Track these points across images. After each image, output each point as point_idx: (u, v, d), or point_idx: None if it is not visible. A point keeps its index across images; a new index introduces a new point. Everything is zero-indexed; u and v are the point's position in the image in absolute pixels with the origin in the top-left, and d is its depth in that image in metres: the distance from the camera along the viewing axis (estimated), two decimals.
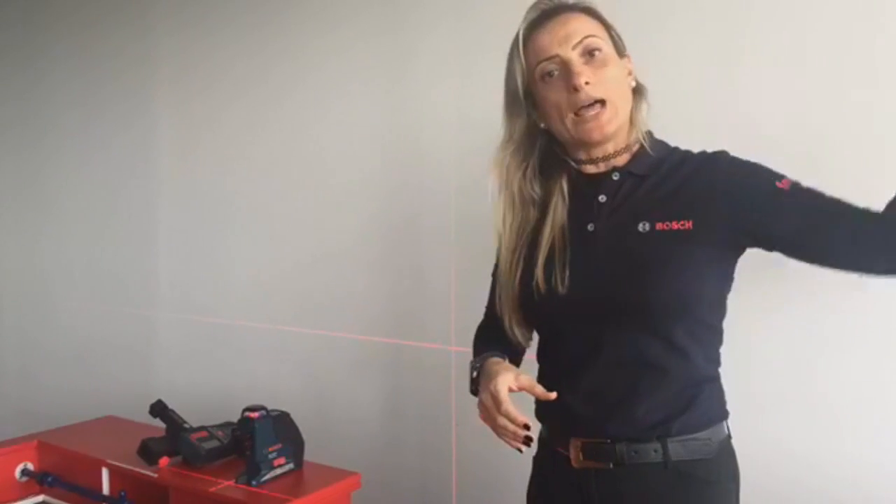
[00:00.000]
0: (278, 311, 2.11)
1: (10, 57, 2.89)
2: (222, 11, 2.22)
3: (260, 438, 1.47)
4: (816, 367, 1.32)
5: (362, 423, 1.94)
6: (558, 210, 1.09)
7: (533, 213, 1.12)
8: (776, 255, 1.02)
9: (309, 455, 1.58)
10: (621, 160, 1.08)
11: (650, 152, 1.07)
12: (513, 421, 0.97)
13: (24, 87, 2.84)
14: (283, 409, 1.57)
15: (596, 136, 1.04)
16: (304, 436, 1.58)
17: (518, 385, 1.01)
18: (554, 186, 1.11)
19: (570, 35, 1.03)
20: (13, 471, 1.75)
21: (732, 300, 1.07)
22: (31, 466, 1.78)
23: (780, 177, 1.00)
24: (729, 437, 1.07)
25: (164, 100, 2.39)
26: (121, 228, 2.53)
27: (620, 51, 1.08)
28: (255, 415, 1.48)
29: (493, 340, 1.17)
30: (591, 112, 1.02)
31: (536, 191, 1.12)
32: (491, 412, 1.00)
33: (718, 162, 1.04)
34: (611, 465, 1.03)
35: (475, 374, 1.10)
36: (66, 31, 2.67)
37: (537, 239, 1.09)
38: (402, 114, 1.86)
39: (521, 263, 1.10)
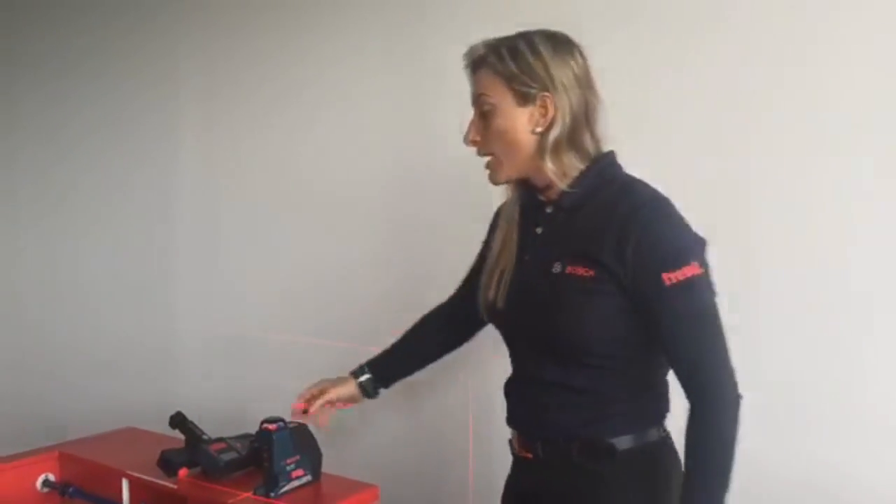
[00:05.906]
0: (297, 323, 2.12)
1: (35, 78, 2.94)
2: (246, 36, 2.26)
3: (278, 450, 1.47)
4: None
5: (380, 435, 1.94)
6: (514, 234, 1.17)
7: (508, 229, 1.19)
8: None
9: (326, 467, 1.58)
10: (554, 193, 1.11)
11: (566, 189, 1.08)
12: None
13: (49, 101, 2.89)
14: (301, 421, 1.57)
15: (491, 181, 1.15)
16: (322, 448, 1.58)
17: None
18: (517, 209, 1.18)
19: (474, 93, 1.13)
20: (35, 481, 1.77)
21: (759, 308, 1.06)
22: (52, 477, 1.79)
23: (677, 265, 0.99)
24: (651, 442, 1.11)
25: (188, 116, 2.43)
26: (143, 239, 2.56)
27: (526, 97, 1.07)
28: (273, 427, 1.49)
29: (421, 329, 1.48)
30: (487, 160, 1.14)
31: (513, 208, 1.20)
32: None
33: (638, 219, 1.02)
34: (531, 457, 1.17)
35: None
36: (91, 53, 2.72)
37: (500, 252, 1.18)
38: (422, 129, 1.87)
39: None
